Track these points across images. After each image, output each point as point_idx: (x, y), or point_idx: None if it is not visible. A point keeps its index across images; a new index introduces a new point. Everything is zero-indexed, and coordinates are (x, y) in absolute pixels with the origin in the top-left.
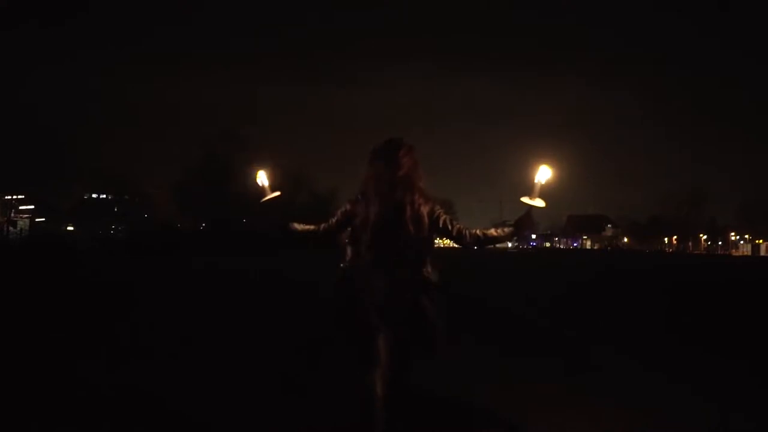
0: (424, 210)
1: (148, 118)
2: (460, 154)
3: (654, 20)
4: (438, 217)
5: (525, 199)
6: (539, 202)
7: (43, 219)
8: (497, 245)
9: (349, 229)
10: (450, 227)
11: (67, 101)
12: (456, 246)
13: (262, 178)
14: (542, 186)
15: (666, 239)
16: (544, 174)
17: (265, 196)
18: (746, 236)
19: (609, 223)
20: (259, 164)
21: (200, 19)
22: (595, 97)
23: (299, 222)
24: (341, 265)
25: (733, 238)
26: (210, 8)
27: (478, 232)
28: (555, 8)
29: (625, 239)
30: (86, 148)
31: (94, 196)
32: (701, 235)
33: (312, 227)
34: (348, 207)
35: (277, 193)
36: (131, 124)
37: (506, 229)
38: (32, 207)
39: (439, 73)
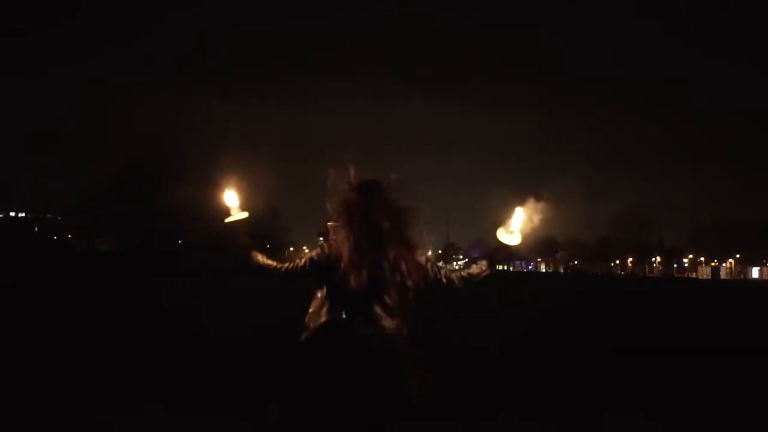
0: (416, 262)
1: (73, 134)
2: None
3: (607, 38)
4: (430, 269)
5: (501, 235)
6: (515, 240)
7: None
8: None
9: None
10: (440, 275)
11: None
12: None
13: (231, 197)
14: (519, 226)
15: (617, 261)
16: (519, 217)
17: (229, 215)
18: (701, 258)
19: (557, 245)
20: (227, 182)
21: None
22: (543, 119)
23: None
24: (309, 323)
25: (686, 261)
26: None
27: (464, 273)
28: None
29: (575, 261)
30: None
31: (11, 214)
32: (655, 258)
33: (274, 265)
34: (317, 256)
35: (245, 215)
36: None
37: (483, 264)
38: None
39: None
